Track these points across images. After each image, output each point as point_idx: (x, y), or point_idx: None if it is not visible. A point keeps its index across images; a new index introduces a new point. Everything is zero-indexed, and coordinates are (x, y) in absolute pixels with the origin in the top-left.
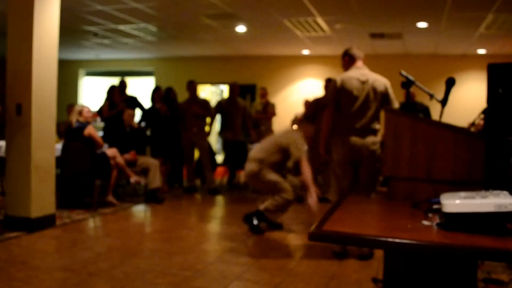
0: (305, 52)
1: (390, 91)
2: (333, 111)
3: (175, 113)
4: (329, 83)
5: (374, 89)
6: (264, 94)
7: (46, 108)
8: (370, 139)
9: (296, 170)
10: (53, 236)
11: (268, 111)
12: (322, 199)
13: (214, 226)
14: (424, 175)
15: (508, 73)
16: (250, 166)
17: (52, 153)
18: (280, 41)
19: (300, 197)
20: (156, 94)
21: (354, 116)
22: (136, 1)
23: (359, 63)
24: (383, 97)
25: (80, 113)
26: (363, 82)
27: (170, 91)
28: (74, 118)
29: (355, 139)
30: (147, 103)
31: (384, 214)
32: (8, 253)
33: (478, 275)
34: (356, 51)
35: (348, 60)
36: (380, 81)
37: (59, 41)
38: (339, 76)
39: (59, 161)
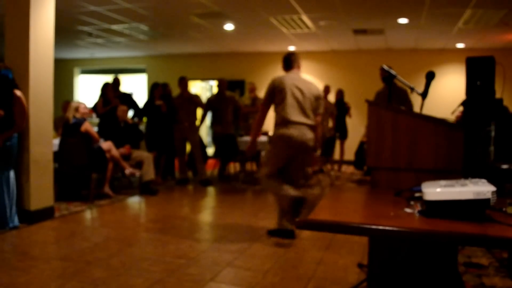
0: (291, 48)
1: (321, 100)
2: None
3: (170, 108)
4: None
5: (307, 91)
6: (253, 89)
7: (43, 105)
8: (309, 135)
9: None
10: (52, 227)
11: (257, 105)
12: None
13: (206, 215)
14: (406, 164)
15: (486, 66)
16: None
17: (50, 148)
18: (266, 38)
19: None
20: (156, 90)
21: (290, 111)
22: (128, 2)
23: (296, 69)
24: (316, 100)
25: (77, 109)
26: (297, 86)
27: (166, 87)
28: (71, 115)
29: (293, 134)
30: (141, 99)
31: (368, 203)
32: (9, 244)
33: (459, 259)
34: (296, 59)
35: (287, 64)
36: (312, 86)
37: (55, 41)
38: (277, 76)
39: (57, 155)
